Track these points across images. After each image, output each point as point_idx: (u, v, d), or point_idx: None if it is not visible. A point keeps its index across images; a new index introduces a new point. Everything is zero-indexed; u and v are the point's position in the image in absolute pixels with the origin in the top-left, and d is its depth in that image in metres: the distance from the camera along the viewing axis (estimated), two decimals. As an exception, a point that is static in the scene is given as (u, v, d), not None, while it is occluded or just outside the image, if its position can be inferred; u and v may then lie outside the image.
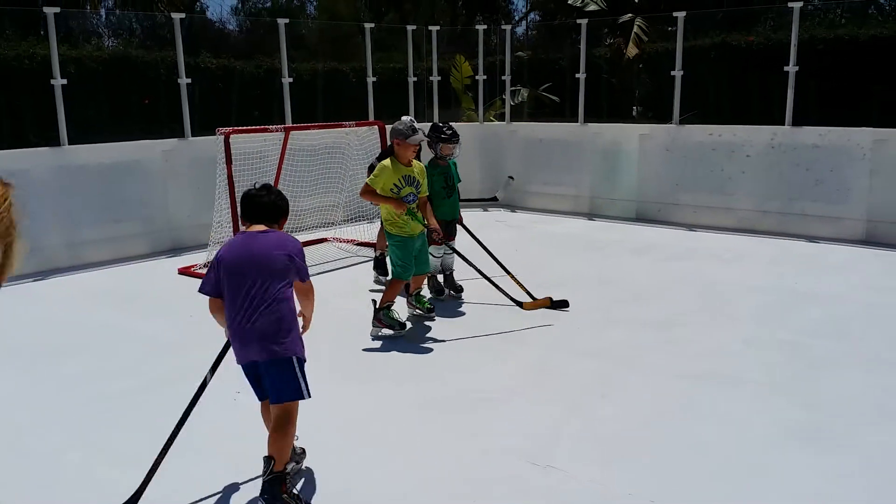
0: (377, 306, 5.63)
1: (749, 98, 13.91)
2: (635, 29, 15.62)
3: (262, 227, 3.43)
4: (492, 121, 13.79)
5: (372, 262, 7.34)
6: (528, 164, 11.12)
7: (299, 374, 3.33)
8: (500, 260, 6.45)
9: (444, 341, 5.53)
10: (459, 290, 6.56)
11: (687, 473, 3.63)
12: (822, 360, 5.02)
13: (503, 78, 11.65)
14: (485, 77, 11.66)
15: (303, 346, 3.42)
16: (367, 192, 5.59)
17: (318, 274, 7.24)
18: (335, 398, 4.47)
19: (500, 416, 4.27)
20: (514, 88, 14.55)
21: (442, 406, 4.41)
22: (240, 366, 3.44)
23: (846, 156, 8.40)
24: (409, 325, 5.75)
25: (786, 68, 8.79)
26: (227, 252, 3.38)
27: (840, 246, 8.22)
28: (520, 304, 6.02)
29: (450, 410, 4.35)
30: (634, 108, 16.18)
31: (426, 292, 6.27)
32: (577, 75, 10.55)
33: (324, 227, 8.83)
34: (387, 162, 5.57)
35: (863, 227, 8.35)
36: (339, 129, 8.23)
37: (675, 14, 9.71)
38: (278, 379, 3.31)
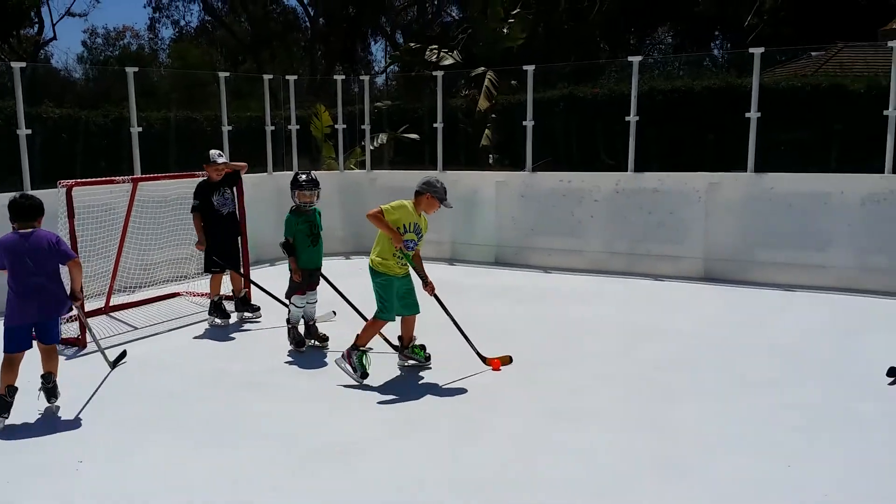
0: (354, 343, 5.66)
1: (596, 146, 14.68)
2: (486, 82, 16.23)
3: (29, 227, 4.87)
4: (352, 169, 13.84)
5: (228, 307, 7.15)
6: (389, 212, 11.18)
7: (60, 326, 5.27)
8: (360, 310, 6.48)
9: (307, 391, 5.43)
10: (324, 339, 6.48)
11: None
12: (669, 393, 5.29)
13: (363, 127, 11.75)
14: (344, 126, 11.72)
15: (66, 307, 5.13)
16: (378, 217, 5.56)
17: (165, 332, 6.96)
18: (194, 461, 4.28)
19: (365, 466, 4.21)
20: (374, 137, 14.70)
21: (310, 459, 4.30)
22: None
23: (684, 199, 9.00)
24: (366, 380, 5.58)
25: (627, 118, 9.36)
26: (7, 242, 4.83)
27: (682, 283, 8.75)
28: (484, 359, 5.89)
29: (320, 459, 4.26)
30: (490, 156, 16.69)
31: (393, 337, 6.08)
32: (434, 125, 10.81)
33: (176, 280, 8.50)
34: (408, 203, 5.68)
35: (701, 265, 8.93)
36: (192, 178, 8.01)
37: (524, 67, 10.16)
38: (52, 328, 5.01)
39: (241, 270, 7.55)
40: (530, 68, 10.07)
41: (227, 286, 7.52)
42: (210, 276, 7.32)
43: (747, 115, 8.64)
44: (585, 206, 9.62)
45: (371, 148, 12.27)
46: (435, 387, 5.47)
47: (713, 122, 13.85)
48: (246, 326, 7.26)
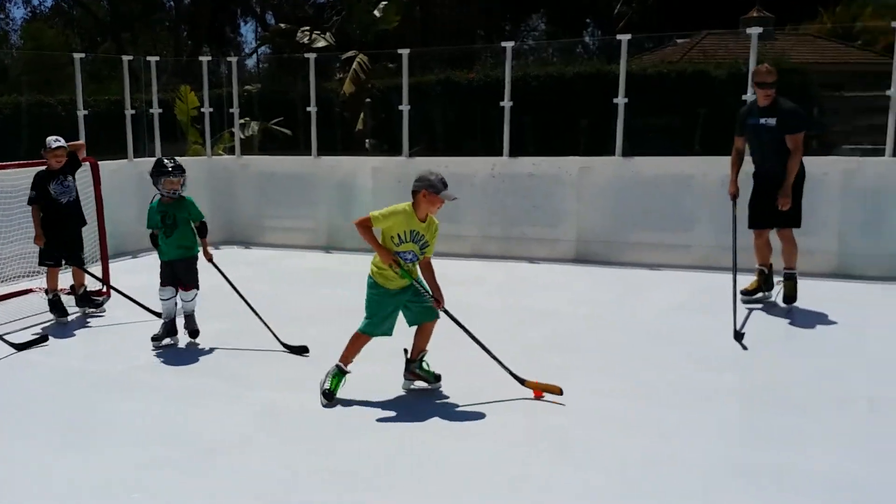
0: (338, 362, 4.91)
1: (473, 131, 14.77)
2: (354, 65, 16.00)
3: None
4: (220, 154, 13.33)
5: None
6: (262, 199, 10.85)
7: None
8: (251, 303, 6.16)
9: (171, 388, 5.15)
10: (195, 334, 6.14)
11: (442, 493, 3.64)
12: (552, 372, 5.34)
13: (231, 111, 11.30)
14: (212, 110, 11.23)
15: None
16: (365, 226, 4.78)
17: (17, 331, 6.45)
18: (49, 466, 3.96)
19: (237, 464, 4.02)
20: (243, 121, 14.21)
21: (173, 461, 4.06)
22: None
23: (557, 183, 9.16)
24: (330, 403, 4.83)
25: (501, 103, 9.42)
26: None
27: (557, 265, 8.90)
28: (522, 381, 4.97)
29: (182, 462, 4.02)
30: (367, 141, 16.52)
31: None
32: (307, 109, 10.52)
33: (28, 276, 7.90)
34: (405, 207, 4.78)
35: (574, 248, 9.12)
36: (43, 167, 7.44)
37: (399, 51, 10.03)
38: None
39: (83, 264, 7.06)
40: (405, 52, 9.95)
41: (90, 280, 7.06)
42: (46, 269, 6.85)
43: (615, 100, 8.86)
44: (463, 190, 9.61)
45: (242, 137, 11.84)
46: (302, 383, 5.29)
47: (585, 107, 14.19)
48: (105, 322, 6.83)
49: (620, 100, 8.83)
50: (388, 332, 4.92)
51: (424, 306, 4.91)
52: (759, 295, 7.09)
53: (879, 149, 8.41)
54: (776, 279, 7.13)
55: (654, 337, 6.17)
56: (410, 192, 4.76)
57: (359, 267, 9.09)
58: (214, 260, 6.18)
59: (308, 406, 4.81)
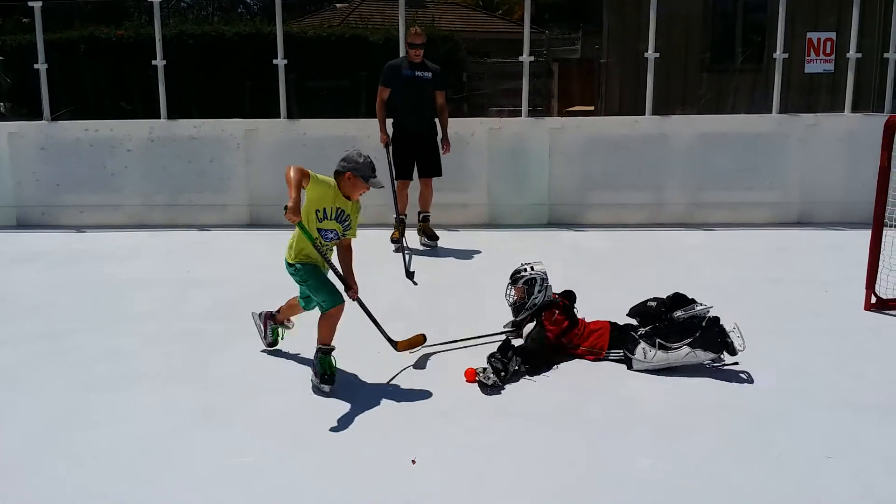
0: (318, 343, 4.49)
1: (128, 92, 13.72)
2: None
3: None
4: None
5: None
6: None
7: None
8: None
9: None
10: None
11: (86, 479, 3.41)
12: (216, 343, 5.24)
13: None
14: None
15: None
16: (296, 173, 4.21)
17: None
18: None
19: None
20: None
21: None
22: None
23: (223, 146, 8.89)
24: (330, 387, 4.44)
25: (154, 62, 8.88)
26: None
27: (228, 231, 8.67)
28: (394, 343, 4.87)
29: None
30: (2, 104, 14.58)
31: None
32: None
33: None
34: (332, 181, 4.40)
35: (246, 212, 8.96)
36: None
37: (30, 3, 8.94)
38: None
39: None
40: (37, 4, 8.90)
41: None
42: None
43: (275, 62, 8.80)
44: (118, 156, 8.94)
45: None
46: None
47: (248, 68, 13.86)
48: None
49: (280, 61, 8.80)
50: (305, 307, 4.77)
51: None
52: (404, 242, 7.59)
53: (518, 110, 9.39)
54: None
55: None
56: (334, 172, 4.41)
57: (8, 247, 8.16)
58: None
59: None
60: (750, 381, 4.57)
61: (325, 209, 4.36)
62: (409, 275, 6.72)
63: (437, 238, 7.84)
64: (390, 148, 7.60)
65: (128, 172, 8.94)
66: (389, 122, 7.70)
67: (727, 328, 4.61)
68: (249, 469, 3.60)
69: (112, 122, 9.08)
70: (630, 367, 4.69)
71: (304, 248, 4.42)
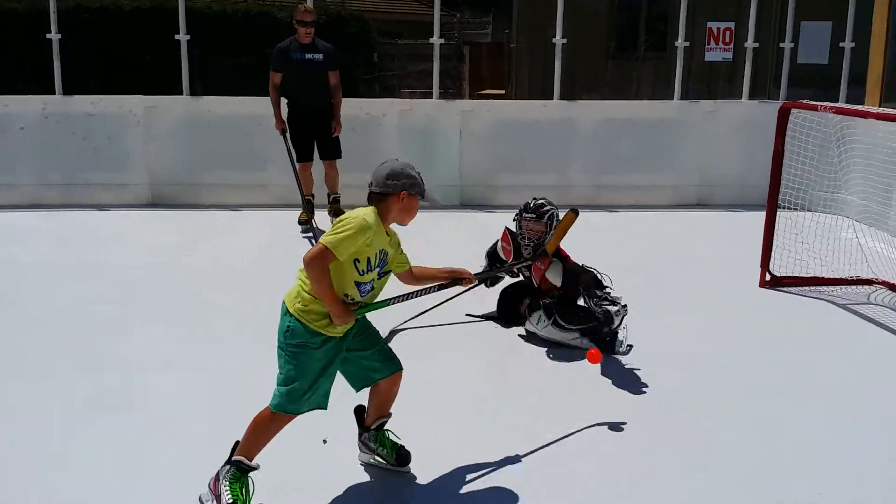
0: (229, 457, 3.11)
1: (20, 66, 12.98)
2: None
3: None
4: None
5: None
6: None
7: None
8: None
9: None
10: None
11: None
12: (108, 325, 5.07)
13: None
14: None
15: None
16: (324, 265, 3.00)
17: None
18: None
19: None
20: None
21: None
22: None
23: (121, 123, 8.52)
24: None
25: (49, 35, 8.44)
26: None
27: (129, 211, 8.34)
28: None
29: None
30: None
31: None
32: None
33: None
34: (371, 216, 3.11)
35: (148, 191, 8.64)
36: None
37: None
38: None
39: None
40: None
41: None
42: None
43: (177, 37, 8.50)
44: (10, 135, 8.46)
45: None
46: None
47: (149, 43, 13.32)
48: None
49: (182, 37, 8.50)
50: (323, 404, 3.16)
51: (377, 353, 3.32)
52: (313, 223, 7.56)
53: (429, 92, 9.37)
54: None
55: (232, 278, 6.18)
56: (370, 196, 3.22)
57: None
58: None
59: None
60: (651, 357, 4.71)
61: (369, 258, 3.14)
62: None
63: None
64: (287, 133, 7.47)
65: (20, 151, 8.48)
66: (284, 106, 7.55)
67: (619, 328, 4.68)
68: (152, 458, 3.50)
69: (4, 98, 8.58)
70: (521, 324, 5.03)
71: (314, 305, 3.09)
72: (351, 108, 8.20)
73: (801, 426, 3.92)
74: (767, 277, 6.09)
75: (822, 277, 6.03)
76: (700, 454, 3.63)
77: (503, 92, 16.07)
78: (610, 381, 4.37)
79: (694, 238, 7.81)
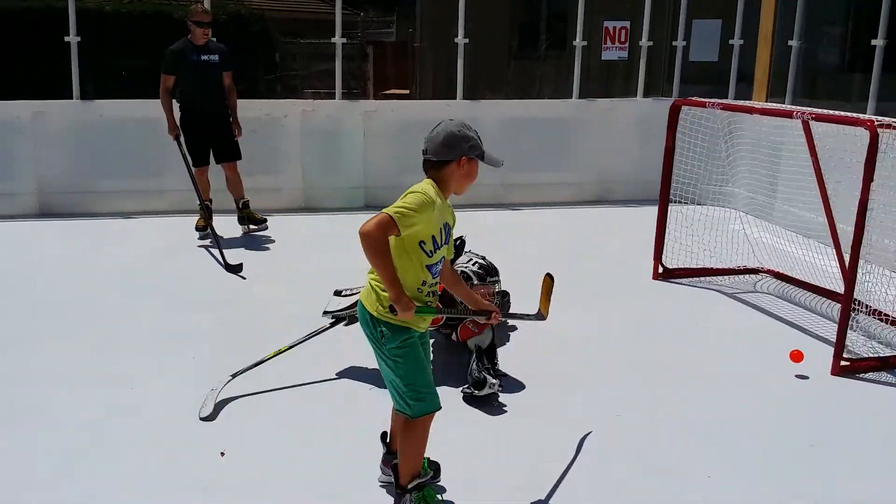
0: (399, 483, 3.07)
1: None
2: None
3: None
4: None
5: None
6: None
7: None
8: None
9: None
10: None
11: None
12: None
13: None
14: None
15: None
16: (383, 238, 2.78)
17: None
18: None
19: None
20: None
21: None
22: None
23: (6, 129, 8.13)
24: None
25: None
26: None
27: (17, 222, 7.95)
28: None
29: None
30: None
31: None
32: None
33: None
34: (431, 189, 2.91)
35: (35, 201, 8.25)
36: None
37: None
38: None
39: None
40: None
41: None
42: None
43: (67, 39, 8.16)
44: None
45: None
46: None
47: (39, 45, 12.74)
48: None
49: (73, 38, 8.16)
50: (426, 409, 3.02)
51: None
52: (212, 228, 7.27)
53: (332, 92, 9.30)
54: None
55: (127, 286, 6.00)
56: (426, 164, 3.01)
57: None
58: None
59: None
60: (554, 348, 4.83)
61: (434, 237, 2.93)
62: (233, 268, 6.39)
63: (264, 221, 7.67)
64: (181, 138, 7.25)
65: None
66: (177, 110, 7.33)
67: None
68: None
69: None
70: None
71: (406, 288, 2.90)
72: (251, 110, 8.08)
73: (686, 404, 4.15)
74: (660, 270, 6.30)
75: (712, 268, 6.29)
76: (592, 432, 3.74)
77: (408, 92, 16.09)
78: (508, 366, 4.45)
79: (593, 233, 8.02)
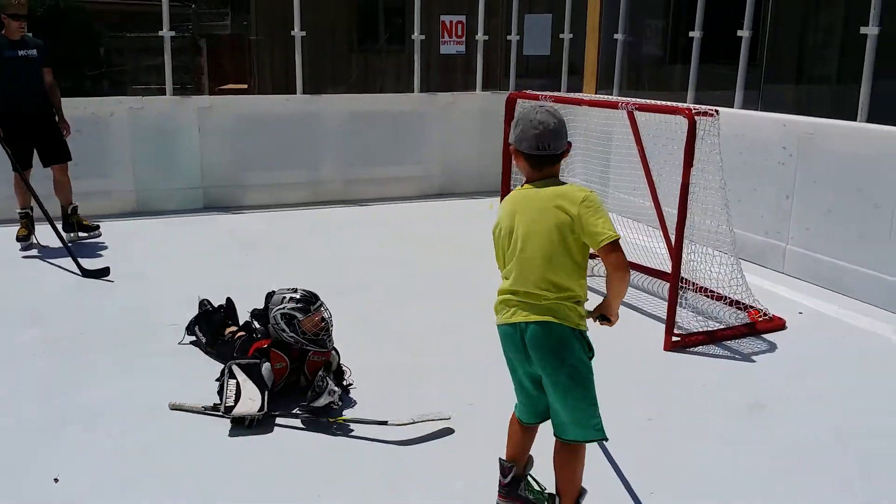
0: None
1: None
2: None
3: None
4: None
5: None
6: None
7: None
8: None
9: None
10: None
11: None
12: None
13: None
14: None
15: None
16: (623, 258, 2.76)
17: None
18: None
19: None
20: None
21: None
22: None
23: None
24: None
25: None
26: None
27: None
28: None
29: None
30: None
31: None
32: None
33: None
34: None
35: None
36: None
37: None
38: None
39: None
40: None
41: None
42: None
43: None
44: None
45: None
46: None
47: None
48: None
49: None
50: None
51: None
52: (33, 239, 6.91)
53: (163, 87, 8.84)
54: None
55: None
56: (545, 160, 2.86)
57: None
58: None
59: None
60: (392, 336, 4.83)
61: None
62: (94, 273, 6.02)
63: (96, 227, 7.17)
64: (2, 140, 6.65)
65: None
66: None
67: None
68: None
69: None
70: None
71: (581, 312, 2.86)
72: (74, 109, 7.52)
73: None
74: (506, 260, 6.44)
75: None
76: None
77: (246, 87, 15.64)
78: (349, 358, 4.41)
79: (439, 225, 8.10)
